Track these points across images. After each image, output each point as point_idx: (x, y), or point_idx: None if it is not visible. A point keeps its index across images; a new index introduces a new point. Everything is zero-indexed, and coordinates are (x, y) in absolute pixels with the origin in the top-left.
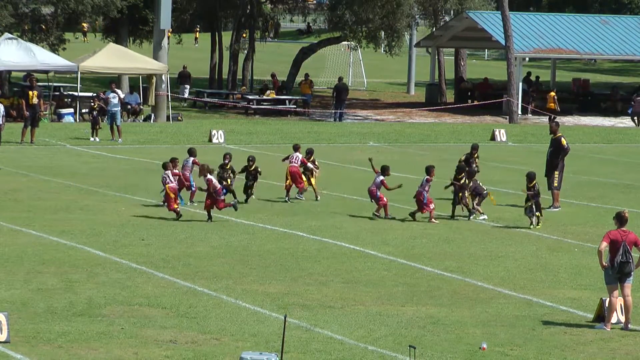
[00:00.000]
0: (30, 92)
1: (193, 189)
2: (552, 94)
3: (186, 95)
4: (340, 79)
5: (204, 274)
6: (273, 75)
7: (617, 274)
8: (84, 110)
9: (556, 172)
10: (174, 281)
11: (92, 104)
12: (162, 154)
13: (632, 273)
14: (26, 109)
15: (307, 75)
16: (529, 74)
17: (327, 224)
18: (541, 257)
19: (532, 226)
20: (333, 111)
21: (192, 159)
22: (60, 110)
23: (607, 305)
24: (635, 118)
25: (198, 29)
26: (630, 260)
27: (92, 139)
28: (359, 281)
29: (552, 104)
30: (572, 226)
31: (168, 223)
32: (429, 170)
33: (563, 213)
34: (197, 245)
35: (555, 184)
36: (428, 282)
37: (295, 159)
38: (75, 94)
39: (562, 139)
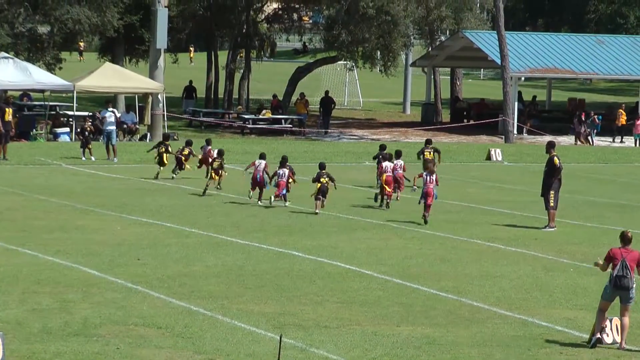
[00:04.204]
0: (7, 109)
1: (267, 187)
2: (622, 110)
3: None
4: (326, 92)
5: (200, 294)
6: (274, 96)
7: (613, 287)
8: (78, 130)
9: (552, 192)
10: (170, 301)
11: (84, 123)
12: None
13: (633, 294)
14: (2, 126)
15: (302, 94)
16: (534, 98)
17: (322, 243)
18: (537, 277)
19: None
20: (320, 122)
21: (264, 162)
22: (56, 129)
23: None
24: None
25: (192, 48)
26: (628, 276)
27: (83, 158)
28: (354, 301)
29: (623, 120)
30: (568, 246)
31: (163, 242)
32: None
33: (559, 233)
34: (192, 265)
35: (552, 204)
36: (424, 302)
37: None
38: (71, 113)
39: (555, 158)
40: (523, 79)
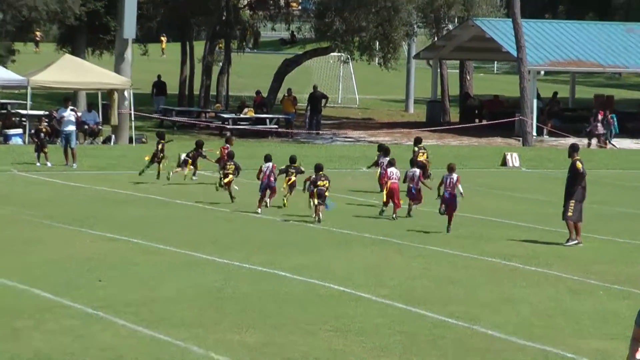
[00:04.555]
0: None
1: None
2: None
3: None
4: (315, 87)
5: (171, 321)
6: (258, 93)
7: None
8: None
9: (572, 201)
10: (136, 329)
11: (39, 124)
12: (124, 181)
13: None
14: None
15: (289, 90)
16: (555, 94)
17: (313, 261)
18: (561, 300)
19: None
20: (306, 122)
21: (270, 164)
22: (7, 130)
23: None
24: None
25: (164, 38)
26: None
27: (38, 164)
28: (350, 329)
29: None
30: (597, 264)
31: (130, 261)
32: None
33: (585, 249)
34: (163, 287)
35: (570, 213)
36: (430, 331)
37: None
38: (25, 112)
39: (578, 163)
40: (542, 73)
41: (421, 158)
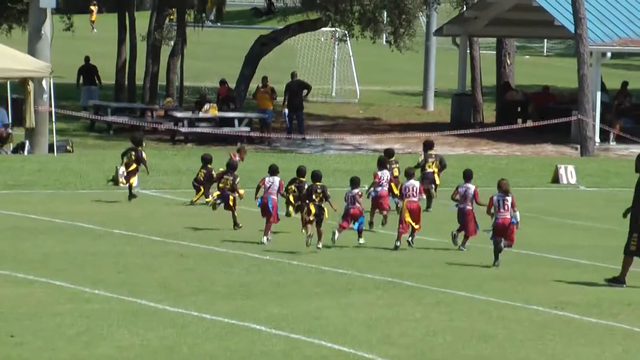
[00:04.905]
0: None
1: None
2: None
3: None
4: (292, 74)
5: None
6: (223, 82)
7: None
8: None
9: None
10: None
11: None
12: (42, 204)
13: None
14: None
15: (265, 79)
16: (624, 85)
17: (298, 312)
18: None
19: None
20: (287, 121)
21: (277, 179)
22: None
23: None
24: None
25: (94, 8)
26: None
27: None
28: None
29: None
30: None
31: (51, 310)
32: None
33: None
34: (96, 345)
35: (633, 247)
36: None
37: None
38: None
39: None
40: (609, 55)
41: (431, 168)
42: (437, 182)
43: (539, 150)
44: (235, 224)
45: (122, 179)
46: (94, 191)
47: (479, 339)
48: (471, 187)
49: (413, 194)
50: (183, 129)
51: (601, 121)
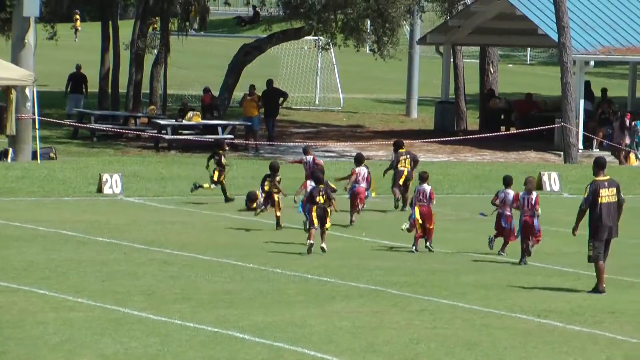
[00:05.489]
0: None
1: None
2: None
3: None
4: (268, 82)
5: None
6: (206, 91)
7: None
8: None
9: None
10: None
11: None
12: (26, 211)
13: None
14: None
15: (252, 87)
16: (604, 91)
17: (282, 320)
18: None
19: None
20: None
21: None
22: None
23: None
24: None
25: (78, 17)
26: None
27: None
28: None
29: None
30: None
31: (34, 319)
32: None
33: None
34: (79, 354)
35: (590, 253)
36: None
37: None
38: None
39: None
40: (593, 63)
41: (404, 167)
42: (411, 178)
43: (522, 157)
44: (278, 225)
45: (210, 186)
46: (78, 198)
47: (462, 347)
48: (510, 192)
49: (424, 198)
50: (167, 136)
51: (585, 128)
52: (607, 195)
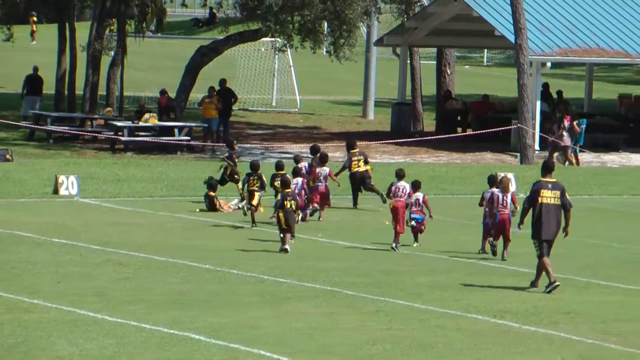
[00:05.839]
0: None
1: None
2: None
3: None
4: (222, 82)
5: None
6: (163, 92)
7: None
8: None
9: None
10: None
11: None
12: None
13: None
14: None
15: (212, 89)
16: (559, 93)
17: (236, 321)
18: None
19: None
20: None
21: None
22: None
23: None
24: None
25: (34, 18)
26: None
27: None
28: None
29: None
30: (618, 323)
31: None
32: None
33: (602, 303)
34: (34, 356)
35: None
36: None
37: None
38: None
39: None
40: (549, 65)
41: (359, 167)
42: (370, 174)
43: (478, 159)
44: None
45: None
46: (34, 200)
47: (417, 348)
48: (495, 191)
49: (402, 194)
50: (123, 138)
51: (542, 130)
52: (548, 197)
